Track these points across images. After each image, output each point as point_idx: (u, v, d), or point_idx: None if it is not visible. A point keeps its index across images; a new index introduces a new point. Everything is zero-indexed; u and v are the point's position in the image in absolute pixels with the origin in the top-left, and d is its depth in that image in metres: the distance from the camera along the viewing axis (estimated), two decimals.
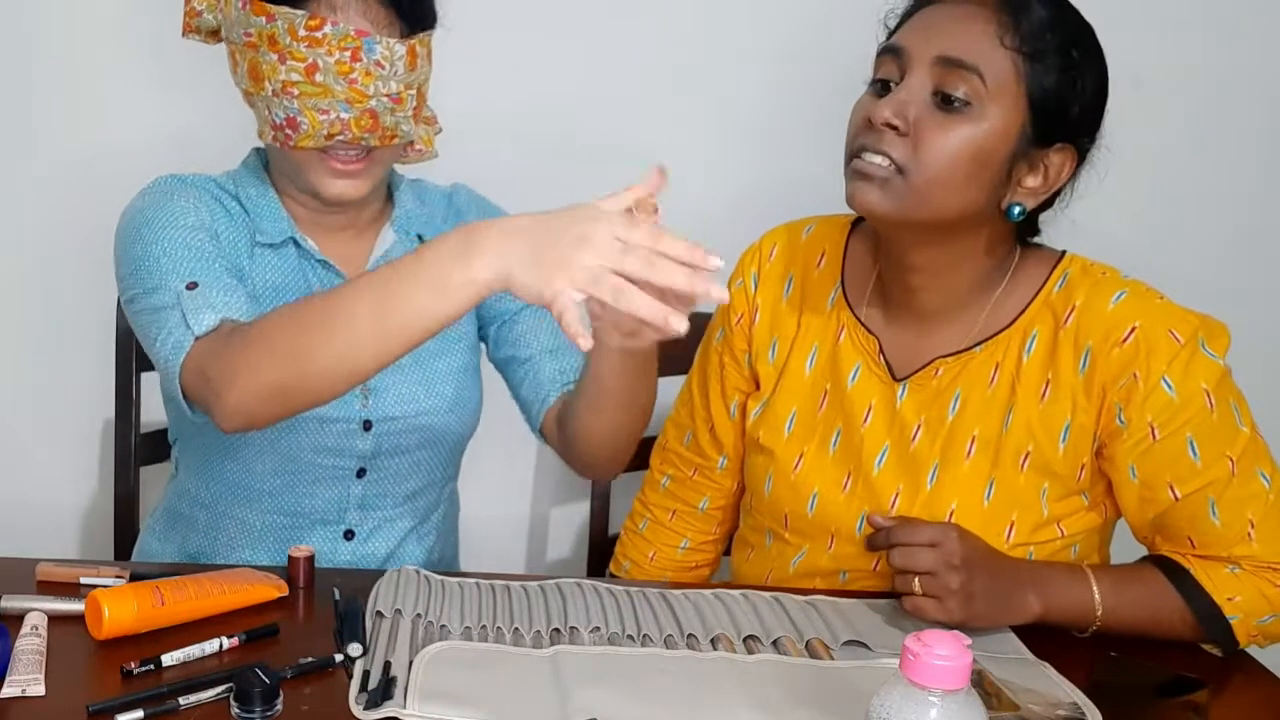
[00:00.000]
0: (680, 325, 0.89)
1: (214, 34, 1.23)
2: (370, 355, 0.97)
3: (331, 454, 1.29)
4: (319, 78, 1.14)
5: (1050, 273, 1.17)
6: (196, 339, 1.09)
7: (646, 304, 0.88)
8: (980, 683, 0.98)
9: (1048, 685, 1.02)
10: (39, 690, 0.93)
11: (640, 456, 1.62)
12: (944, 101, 1.07)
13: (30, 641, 0.99)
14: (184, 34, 1.23)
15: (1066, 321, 1.13)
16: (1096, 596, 1.11)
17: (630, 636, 1.07)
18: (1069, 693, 1.01)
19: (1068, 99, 1.09)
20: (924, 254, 1.15)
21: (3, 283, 1.79)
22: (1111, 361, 1.10)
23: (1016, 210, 1.12)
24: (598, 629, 1.08)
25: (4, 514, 1.75)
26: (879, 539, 1.14)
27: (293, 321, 1.00)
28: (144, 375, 1.54)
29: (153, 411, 1.54)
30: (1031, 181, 1.12)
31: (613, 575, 1.44)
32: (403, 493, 1.35)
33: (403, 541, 1.37)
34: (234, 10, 1.16)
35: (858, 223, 1.29)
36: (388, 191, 1.35)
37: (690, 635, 1.08)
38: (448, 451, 1.38)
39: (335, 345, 0.97)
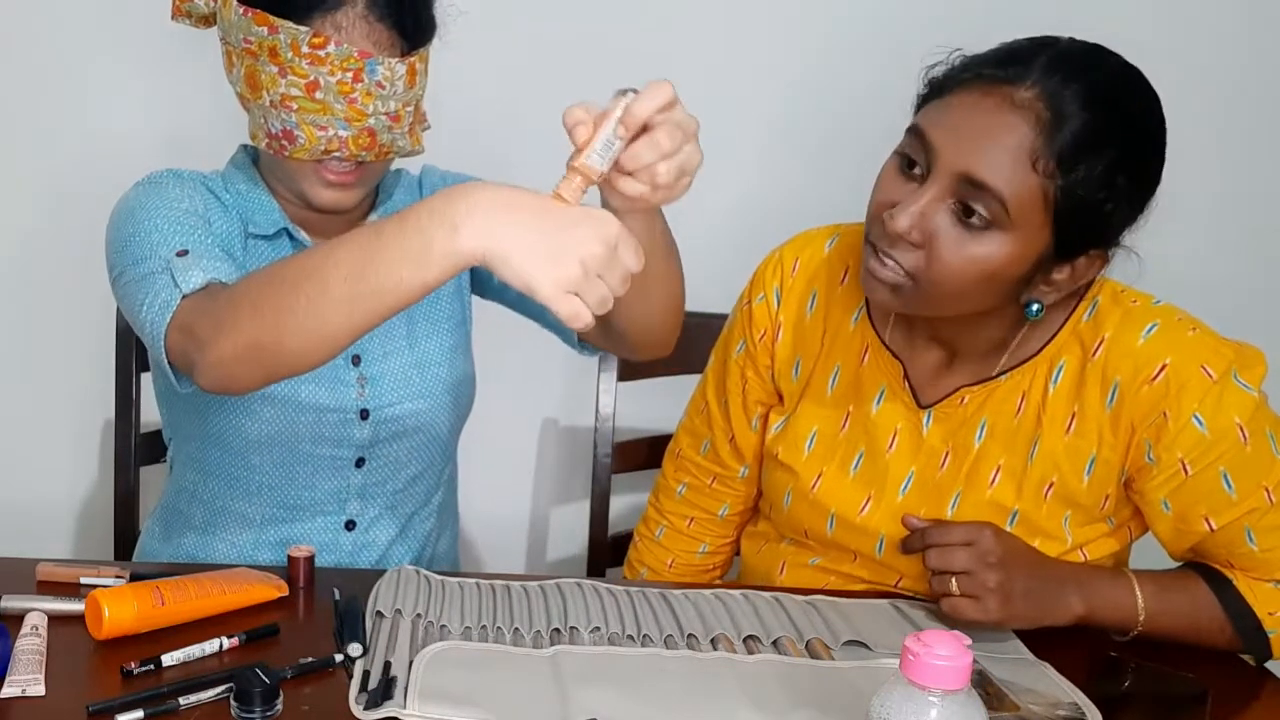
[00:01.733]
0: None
1: (204, 20, 1.22)
2: (344, 319, 0.92)
3: (330, 444, 1.29)
4: (319, 95, 1.13)
5: (1078, 304, 1.14)
6: (184, 296, 1.07)
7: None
8: (981, 683, 0.98)
9: (1048, 685, 1.02)
10: (39, 690, 0.93)
11: (648, 457, 1.64)
12: (965, 213, 1.02)
13: (30, 641, 0.99)
14: (173, 17, 1.22)
15: (1095, 354, 1.11)
16: (1140, 601, 1.11)
17: (630, 636, 1.07)
18: (1069, 693, 1.01)
19: (1100, 222, 1.04)
20: (947, 322, 1.14)
21: (2, 283, 1.79)
22: (1141, 400, 1.08)
23: (1035, 308, 1.09)
24: (598, 629, 1.08)
25: (4, 514, 1.76)
26: (914, 540, 1.13)
27: (274, 279, 0.97)
28: (144, 375, 1.54)
29: (153, 411, 1.53)
30: (1056, 278, 1.08)
31: (627, 581, 1.44)
32: (402, 479, 1.35)
33: (404, 529, 1.37)
34: (233, 14, 1.15)
35: None
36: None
37: (690, 635, 1.08)
38: (445, 435, 1.38)
39: (311, 306, 0.92)
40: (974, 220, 1.02)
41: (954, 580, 1.07)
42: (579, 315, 0.87)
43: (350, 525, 1.34)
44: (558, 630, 1.07)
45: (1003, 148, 1.00)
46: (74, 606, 1.05)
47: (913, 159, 1.06)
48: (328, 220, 1.29)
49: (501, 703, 0.93)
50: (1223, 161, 1.83)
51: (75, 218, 1.75)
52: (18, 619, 1.03)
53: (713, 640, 1.07)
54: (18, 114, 1.73)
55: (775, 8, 1.77)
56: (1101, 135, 1.01)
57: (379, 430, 1.31)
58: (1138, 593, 1.11)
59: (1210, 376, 1.06)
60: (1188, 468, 1.08)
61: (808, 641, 1.08)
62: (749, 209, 1.79)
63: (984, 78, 1.03)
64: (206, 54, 1.26)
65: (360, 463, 1.32)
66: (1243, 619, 1.11)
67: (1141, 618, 1.11)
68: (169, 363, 1.10)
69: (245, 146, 1.32)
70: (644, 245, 0.98)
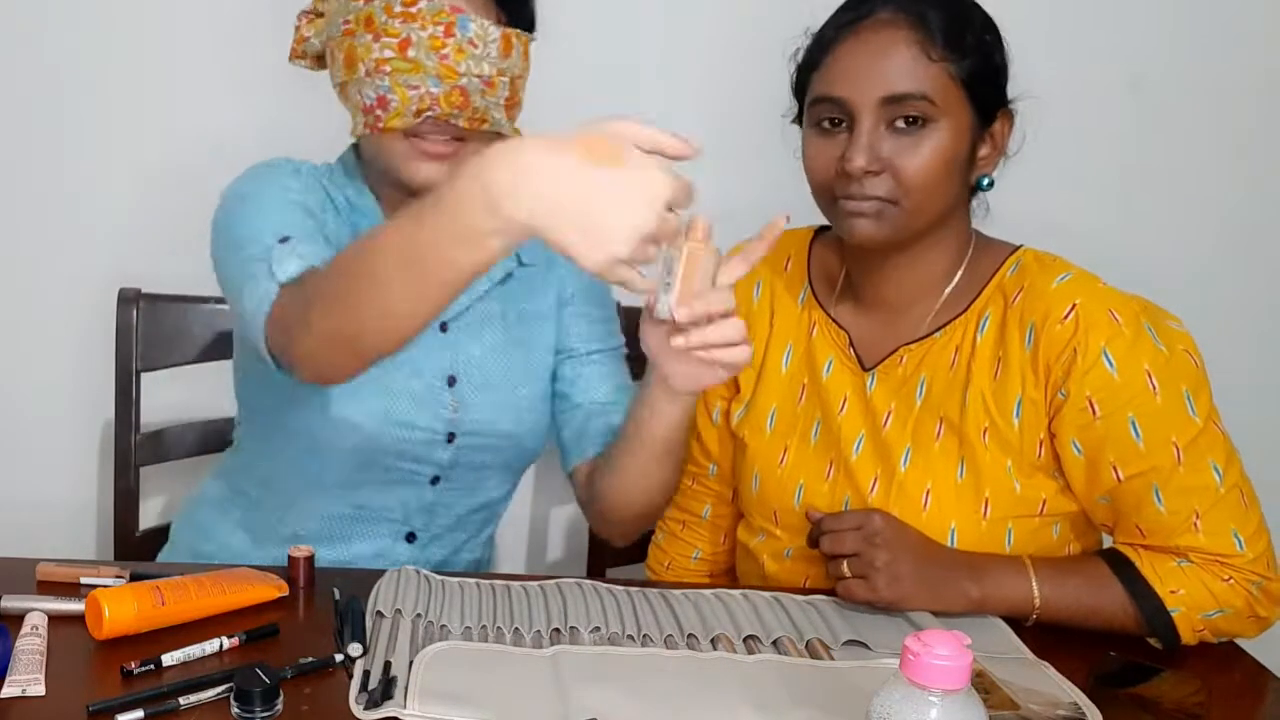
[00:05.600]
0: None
1: (319, 59, 1.26)
2: (411, 304, 0.92)
3: (411, 459, 1.29)
4: (411, 53, 1.14)
5: (1004, 261, 1.21)
6: (281, 286, 1.07)
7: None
8: (980, 682, 0.98)
9: (1048, 685, 1.02)
10: (39, 690, 0.93)
11: None
12: (902, 128, 1.12)
13: (30, 641, 0.99)
14: (290, 59, 1.26)
15: (1014, 301, 1.17)
16: (1034, 587, 1.13)
17: (630, 636, 1.07)
18: (1069, 693, 1.01)
19: (994, 76, 1.17)
20: (902, 253, 1.20)
21: (3, 283, 1.79)
22: (1054, 339, 1.12)
23: (986, 181, 1.20)
24: (598, 629, 1.08)
25: (4, 514, 1.76)
26: (813, 531, 1.18)
27: (342, 271, 0.98)
28: (144, 375, 1.54)
29: (152, 411, 1.54)
30: (984, 152, 1.18)
31: (627, 581, 1.47)
32: (468, 505, 1.36)
33: (458, 550, 1.38)
34: (335, 1, 1.19)
35: (820, 231, 1.34)
36: None
37: (690, 635, 1.08)
38: (516, 472, 1.39)
39: (374, 298, 0.93)
40: (911, 126, 1.12)
41: (845, 563, 1.12)
42: (630, 282, 0.89)
43: (411, 538, 1.34)
44: (558, 630, 1.07)
45: (899, 61, 1.12)
46: (74, 606, 1.05)
47: (829, 122, 1.16)
48: None
49: (501, 703, 0.93)
50: (1179, 148, 1.84)
51: (78, 220, 1.76)
52: (18, 619, 1.03)
53: (713, 640, 1.07)
54: (45, 113, 1.73)
55: (760, 12, 1.76)
56: (962, 17, 1.14)
57: (460, 455, 1.31)
58: (1032, 578, 1.13)
59: (1117, 320, 1.10)
60: (1096, 408, 1.10)
61: (808, 641, 1.08)
62: (747, 209, 1.79)
63: (845, 26, 1.15)
64: (307, 79, 1.28)
65: (435, 481, 1.32)
66: (1145, 599, 1.12)
67: (1037, 603, 1.13)
68: (271, 355, 1.09)
69: (352, 146, 1.31)
70: (677, 423, 1.17)
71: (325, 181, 1.28)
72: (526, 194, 0.84)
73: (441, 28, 1.14)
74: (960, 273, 1.22)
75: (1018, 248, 1.22)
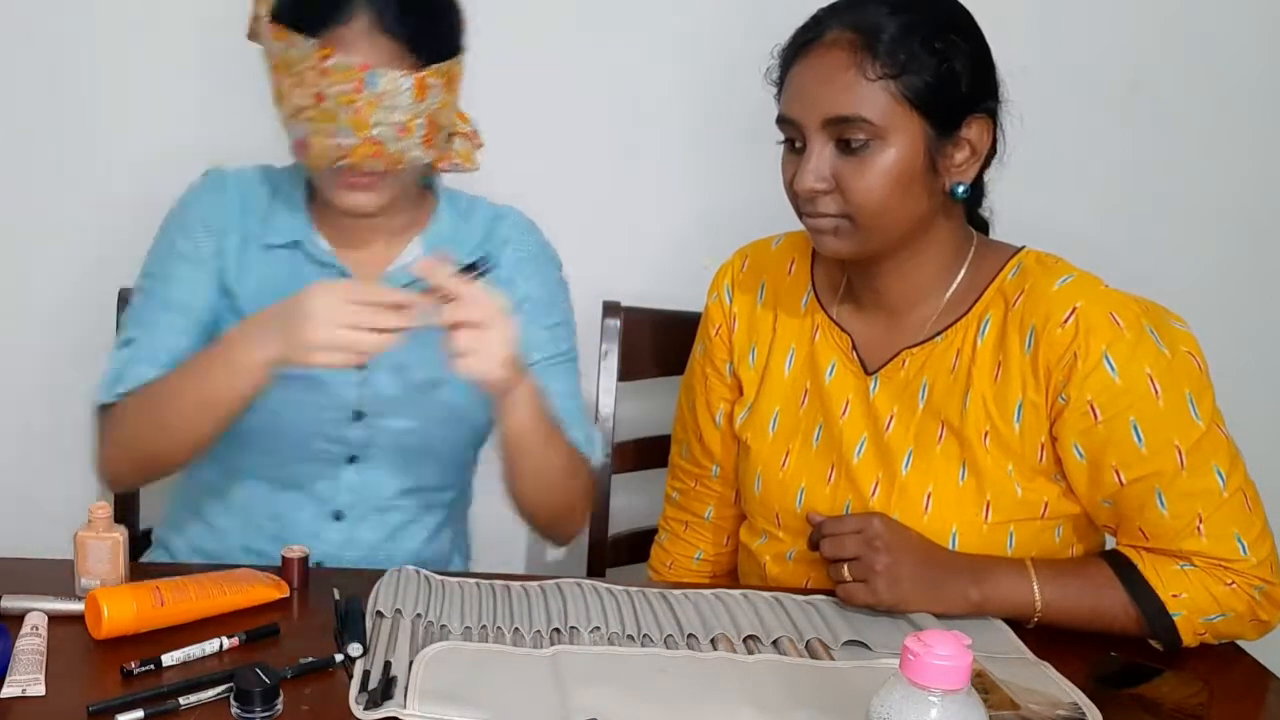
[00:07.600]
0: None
1: None
2: (185, 433, 1.20)
3: (323, 438, 1.31)
4: (326, 105, 1.17)
5: (1006, 263, 1.20)
6: (99, 405, 1.29)
7: (374, 341, 1.09)
8: (980, 682, 0.98)
9: (1048, 685, 1.02)
10: (39, 690, 0.93)
11: (648, 457, 1.64)
12: (846, 146, 1.12)
13: (30, 641, 0.99)
14: (248, 38, 1.26)
15: (1015, 304, 1.16)
16: (1036, 590, 1.13)
17: (630, 636, 1.07)
18: (1069, 693, 1.01)
19: (952, 85, 1.13)
20: (890, 259, 1.20)
21: (4, 283, 1.79)
22: (1055, 342, 1.12)
23: (960, 189, 1.16)
24: (598, 629, 1.08)
25: (4, 514, 1.76)
26: (814, 534, 1.18)
27: (135, 408, 1.23)
28: None
29: None
30: (960, 158, 1.16)
31: (627, 581, 1.47)
32: (396, 488, 1.36)
33: (394, 534, 1.37)
34: (263, 33, 1.21)
35: None
36: (435, 197, 1.37)
37: (690, 635, 1.08)
38: (447, 461, 1.38)
39: (163, 426, 1.21)
40: (856, 146, 1.12)
41: (845, 567, 1.12)
42: (331, 363, 1.09)
43: (338, 516, 1.34)
44: (558, 630, 1.07)
45: (838, 84, 1.12)
46: (74, 606, 1.05)
47: (792, 139, 1.17)
48: (365, 231, 1.32)
49: (501, 703, 0.93)
50: (1178, 148, 1.83)
51: (79, 219, 1.76)
52: (18, 619, 1.03)
53: (713, 640, 1.07)
54: (46, 112, 1.74)
55: (743, 17, 1.76)
56: (912, 26, 1.12)
57: (373, 435, 1.32)
58: (1034, 581, 1.13)
59: (1118, 323, 1.10)
60: (1097, 412, 1.10)
61: (808, 641, 1.08)
62: (740, 208, 1.79)
63: (801, 47, 1.16)
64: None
65: (353, 459, 1.33)
66: (1147, 602, 1.12)
67: (1039, 605, 1.13)
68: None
69: None
70: (512, 427, 1.21)
71: (261, 181, 1.35)
72: (261, 336, 1.14)
73: (352, 84, 1.16)
74: (961, 275, 1.21)
75: (1020, 249, 1.22)
